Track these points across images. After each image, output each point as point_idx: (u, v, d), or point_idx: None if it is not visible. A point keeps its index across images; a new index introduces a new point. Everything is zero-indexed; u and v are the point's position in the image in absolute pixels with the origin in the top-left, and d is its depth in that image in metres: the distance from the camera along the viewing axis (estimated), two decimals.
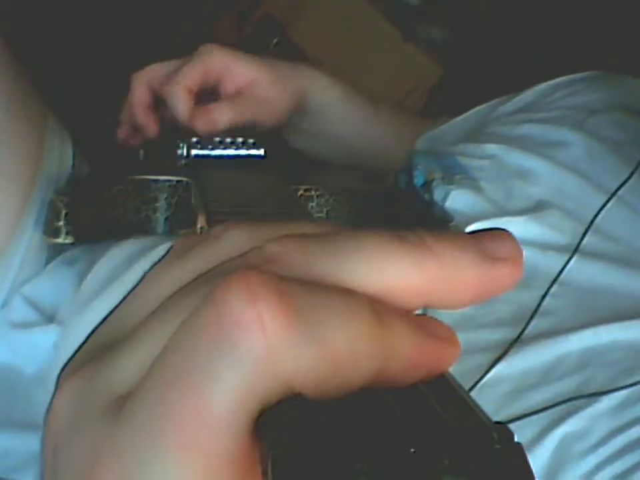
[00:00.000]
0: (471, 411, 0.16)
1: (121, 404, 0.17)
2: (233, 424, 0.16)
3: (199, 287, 0.19)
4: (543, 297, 0.48)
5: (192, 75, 0.63)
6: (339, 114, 0.72)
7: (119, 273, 0.54)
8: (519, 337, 0.46)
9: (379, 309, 0.17)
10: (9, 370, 0.55)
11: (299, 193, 0.56)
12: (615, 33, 0.97)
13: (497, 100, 0.70)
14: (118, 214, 0.56)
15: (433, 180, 0.55)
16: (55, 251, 0.61)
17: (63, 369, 0.20)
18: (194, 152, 0.63)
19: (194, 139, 0.64)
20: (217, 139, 0.64)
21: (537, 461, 0.40)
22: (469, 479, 0.15)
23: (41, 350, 0.54)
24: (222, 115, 0.63)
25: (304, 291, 0.17)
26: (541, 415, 0.42)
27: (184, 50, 0.67)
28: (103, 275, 0.55)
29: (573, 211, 0.54)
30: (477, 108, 0.70)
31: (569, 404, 0.42)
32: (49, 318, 0.57)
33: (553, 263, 0.50)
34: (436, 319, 0.18)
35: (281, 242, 0.19)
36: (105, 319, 0.21)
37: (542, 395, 0.43)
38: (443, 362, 0.18)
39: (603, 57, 0.72)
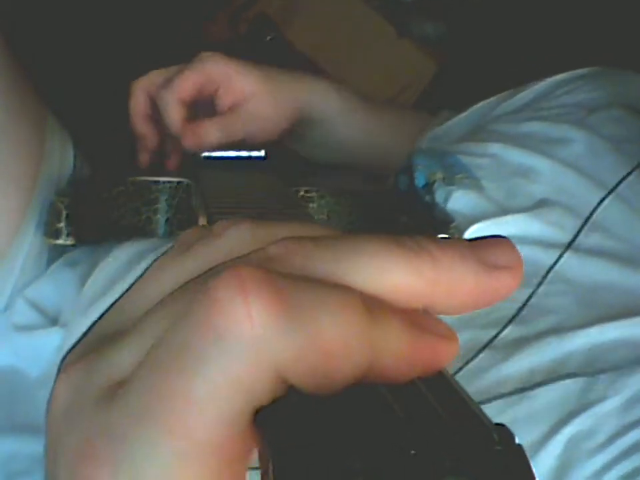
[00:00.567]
0: (472, 412, 0.16)
1: (115, 390, 0.18)
2: (220, 411, 0.16)
3: (196, 286, 0.19)
4: (534, 291, 0.48)
5: (186, 85, 0.62)
6: (341, 123, 0.72)
7: (121, 275, 0.54)
8: (494, 337, 0.46)
9: (372, 304, 0.17)
10: (12, 373, 0.55)
11: (300, 194, 0.56)
12: (612, 28, 0.96)
13: (497, 97, 0.70)
14: (118, 215, 0.56)
15: (434, 181, 0.55)
16: (56, 253, 0.61)
17: (64, 358, 0.21)
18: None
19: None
20: None
21: (546, 460, 0.40)
22: None
23: (44, 352, 0.54)
24: (211, 134, 0.62)
25: (295, 284, 0.17)
26: (548, 412, 0.42)
27: (179, 49, 0.67)
28: (105, 277, 0.55)
29: (574, 208, 0.54)
30: (478, 105, 0.70)
31: (575, 399, 0.42)
32: (52, 320, 0.57)
33: (556, 260, 0.50)
34: (433, 316, 0.19)
35: (282, 244, 0.19)
36: (106, 311, 0.22)
37: (548, 395, 0.43)
38: (439, 359, 0.18)
39: (600, 52, 0.72)
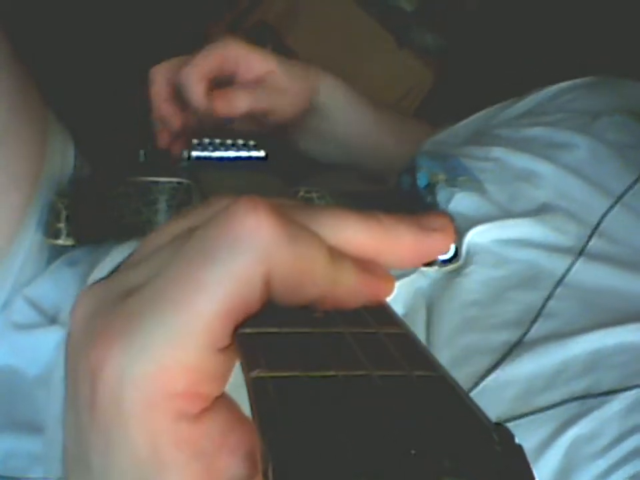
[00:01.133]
0: (472, 412, 0.16)
1: (132, 293, 0.22)
2: (224, 297, 0.21)
3: (204, 225, 0.23)
4: (547, 299, 0.48)
5: (207, 61, 0.63)
6: (345, 115, 0.72)
7: None
8: (520, 340, 0.46)
9: (334, 251, 0.23)
10: (11, 371, 0.55)
11: (300, 194, 0.56)
12: (610, 39, 0.97)
13: (500, 104, 0.70)
14: (118, 216, 0.56)
15: (436, 182, 0.55)
16: (55, 252, 0.61)
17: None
18: (195, 154, 0.63)
19: (195, 141, 0.64)
20: (218, 141, 0.64)
21: (548, 463, 0.40)
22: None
23: (43, 351, 0.54)
24: (241, 100, 0.63)
25: (294, 214, 0.23)
26: (550, 416, 0.42)
27: (180, 53, 0.67)
28: None
29: (577, 213, 0.54)
30: (481, 112, 0.70)
31: (577, 403, 0.42)
32: (51, 319, 0.57)
33: (558, 264, 0.50)
34: (378, 264, 0.24)
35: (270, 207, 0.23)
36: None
37: (550, 398, 0.43)
38: (379, 292, 0.24)
39: (599, 64, 0.72)
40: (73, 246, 0.57)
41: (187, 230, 0.24)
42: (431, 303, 0.49)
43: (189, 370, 0.21)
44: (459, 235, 0.51)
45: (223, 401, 0.22)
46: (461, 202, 0.54)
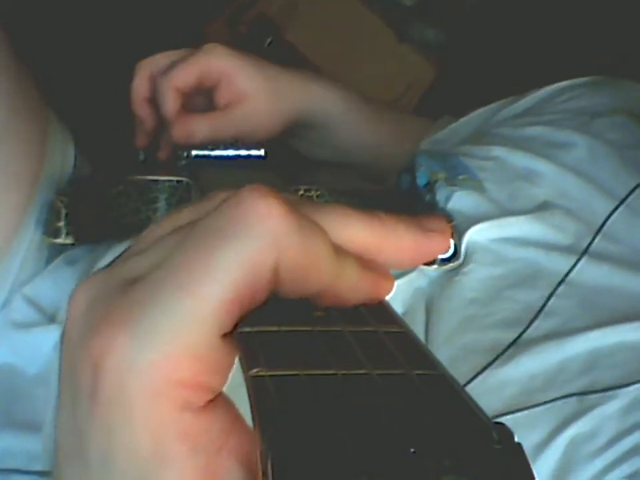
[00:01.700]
0: (471, 411, 0.16)
1: (135, 282, 0.22)
2: (231, 282, 0.21)
3: (209, 214, 0.23)
4: (548, 297, 0.48)
5: (185, 75, 0.62)
6: (343, 124, 0.71)
7: None
8: (517, 338, 0.46)
9: (338, 246, 0.24)
10: (10, 370, 0.55)
11: (299, 192, 0.56)
12: (611, 36, 0.96)
13: (499, 102, 0.70)
14: (118, 214, 0.56)
15: (436, 181, 0.55)
16: (55, 251, 0.61)
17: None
18: (194, 152, 0.63)
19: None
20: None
21: (547, 462, 0.40)
22: (469, 478, 0.15)
23: (42, 350, 0.54)
24: (200, 130, 0.62)
25: (303, 207, 0.24)
26: (549, 414, 0.42)
27: (179, 49, 0.66)
28: None
29: (576, 212, 0.54)
30: (480, 110, 0.70)
31: (576, 401, 0.42)
32: (50, 318, 0.57)
33: (557, 263, 0.50)
34: (379, 262, 0.25)
35: (279, 195, 0.23)
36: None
37: (549, 396, 0.43)
38: (380, 290, 0.24)
39: (600, 61, 0.72)
40: (72, 245, 0.57)
41: (189, 221, 0.24)
42: (430, 302, 0.49)
43: (194, 357, 0.21)
44: (459, 234, 0.51)
45: (223, 400, 0.22)
46: (460, 200, 0.54)
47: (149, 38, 0.97)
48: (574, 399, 0.43)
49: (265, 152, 0.64)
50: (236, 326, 0.21)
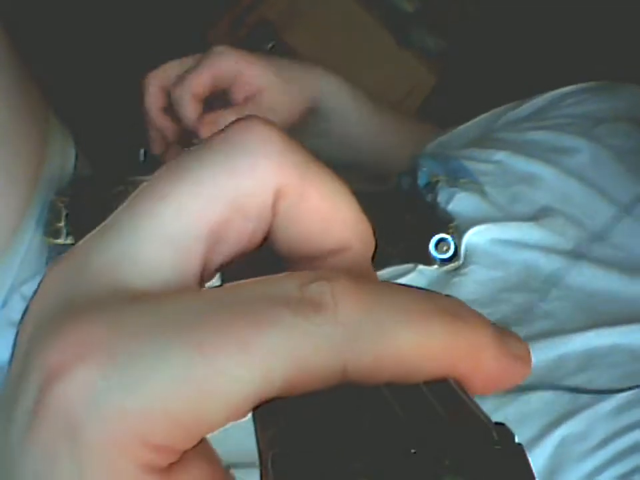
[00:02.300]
0: (471, 411, 0.16)
1: (133, 297, 0.17)
2: (271, 371, 0.16)
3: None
4: (543, 300, 0.49)
5: (200, 81, 0.63)
6: (348, 116, 0.72)
7: None
8: None
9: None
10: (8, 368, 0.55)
11: None
12: (613, 43, 0.96)
13: (503, 107, 0.70)
14: None
15: (437, 182, 0.55)
16: (55, 252, 0.61)
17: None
18: None
19: (195, 141, 0.64)
20: None
21: (536, 461, 0.40)
22: (469, 479, 0.15)
23: None
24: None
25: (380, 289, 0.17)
26: (541, 412, 0.42)
27: (182, 53, 0.67)
28: None
29: (577, 217, 0.54)
30: (483, 115, 0.70)
31: (569, 400, 0.42)
32: None
33: (555, 266, 0.51)
34: (515, 334, 0.18)
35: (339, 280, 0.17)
36: None
37: (541, 396, 0.43)
38: (515, 379, 0.18)
39: (601, 67, 0.72)
40: (72, 245, 0.57)
41: None
42: None
43: (177, 425, 0.16)
44: (459, 235, 0.52)
45: (196, 450, 0.17)
46: (461, 202, 0.54)
47: (150, 41, 0.97)
48: (566, 396, 0.43)
49: None
50: None
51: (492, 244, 0.52)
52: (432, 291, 0.18)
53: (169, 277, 0.18)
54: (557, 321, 0.48)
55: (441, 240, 0.50)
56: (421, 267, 0.51)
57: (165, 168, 0.19)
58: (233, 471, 0.18)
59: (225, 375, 0.15)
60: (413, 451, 0.15)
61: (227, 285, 0.17)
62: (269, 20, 1.06)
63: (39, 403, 0.16)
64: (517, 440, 0.16)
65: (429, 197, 0.55)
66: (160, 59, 0.67)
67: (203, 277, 0.19)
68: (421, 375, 0.17)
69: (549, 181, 0.56)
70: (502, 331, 0.18)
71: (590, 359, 0.45)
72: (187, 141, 0.65)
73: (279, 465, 0.15)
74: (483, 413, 0.16)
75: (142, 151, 0.70)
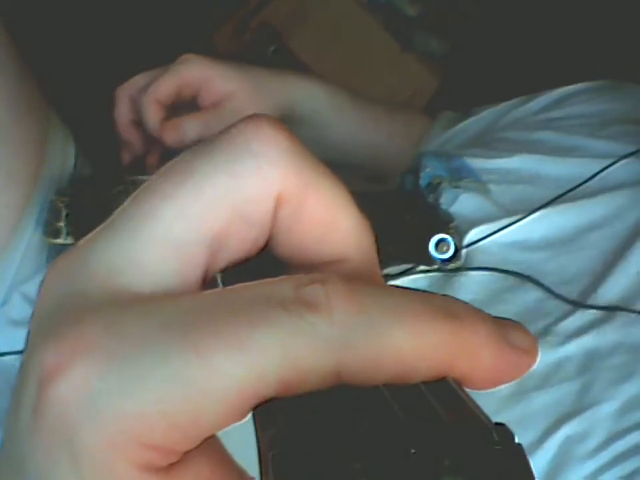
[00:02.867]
0: (471, 411, 0.16)
1: (132, 300, 0.17)
2: (267, 370, 0.16)
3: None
4: (545, 300, 0.48)
5: (163, 88, 0.63)
6: (331, 121, 0.71)
7: None
8: None
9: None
10: (8, 367, 0.55)
11: None
12: (616, 43, 0.96)
13: (509, 103, 0.70)
14: None
15: (439, 182, 0.55)
16: (55, 251, 0.61)
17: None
18: None
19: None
20: None
21: (538, 463, 0.40)
22: (469, 479, 0.15)
23: None
24: (190, 129, 0.62)
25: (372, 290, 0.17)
26: (543, 414, 0.42)
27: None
28: None
29: None
30: (490, 109, 0.70)
31: (571, 402, 0.42)
32: None
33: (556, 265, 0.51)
34: (520, 326, 0.18)
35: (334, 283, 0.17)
36: None
37: (544, 398, 0.43)
38: (518, 371, 0.18)
39: (604, 68, 0.72)
40: (72, 245, 0.57)
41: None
42: None
43: (175, 427, 0.16)
44: (460, 235, 0.52)
45: (199, 450, 0.17)
46: (464, 202, 0.54)
47: (153, 43, 0.97)
48: (569, 398, 0.43)
49: None
50: None
51: (493, 244, 0.52)
52: (427, 291, 0.18)
53: (170, 281, 0.18)
54: (557, 319, 0.48)
55: (441, 240, 0.50)
56: (421, 267, 0.51)
57: (167, 167, 0.18)
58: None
59: (220, 375, 0.15)
60: (412, 451, 0.15)
61: (225, 287, 0.17)
62: (271, 24, 1.07)
63: (37, 404, 0.16)
64: (516, 440, 0.16)
65: (430, 197, 0.55)
66: (163, 61, 0.67)
67: (205, 282, 0.19)
68: (419, 375, 0.17)
69: (552, 181, 0.56)
70: (504, 324, 0.18)
71: (590, 361, 0.45)
72: (157, 150, 0.66)
73: (278, 465, 0.15)
74: (482, 412, 0.16)
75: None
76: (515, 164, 0.57)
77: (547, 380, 0.44)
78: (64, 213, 0.55)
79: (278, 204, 0.18)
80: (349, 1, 1.07)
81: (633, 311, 0.47)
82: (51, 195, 0.57)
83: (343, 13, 1.08)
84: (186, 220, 0.18)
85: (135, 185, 0.57)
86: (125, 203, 0.18)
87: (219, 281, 0.20)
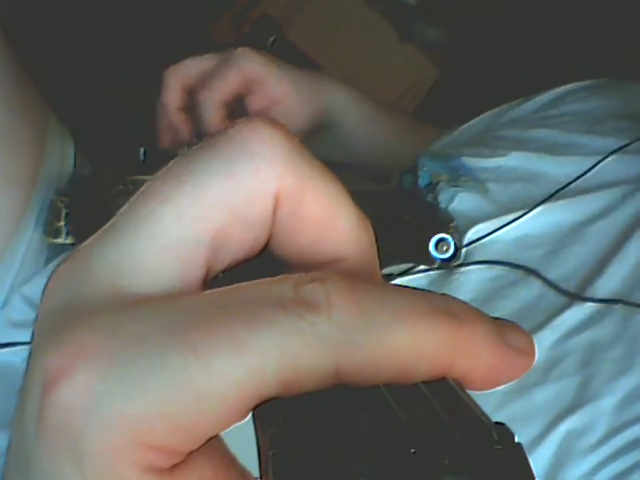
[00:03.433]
0: (471, 411, 0.16)
1: (133, 303, 0.17)
2: (265, 371, 0.16)
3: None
4: (543, 296, 0.48)
5: (228, 87, 0.62)
6: (358, 129, 0.72)
7: None
8: None
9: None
10: (8, 368, 0.55)
11: None
12: (616, 38, 0.96)
13: (505, 105, 0.70)
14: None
15: (438, 182, 0.55)
16: (54, 251, 0.61)
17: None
18: None
19: (195, 140, 0.64)
20: None
21: (540, 457, 0.40)
22: (469, 479, 0.15)
23: None
24: None
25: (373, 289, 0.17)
26: (544, 409, 0.42)
27: (183, 50, 0.66)
28: None
29: None
30: (488, 112, 0.71)
31: (571, 397, 0.43)
32: None
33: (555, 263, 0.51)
34: (517, 326, 0.18)
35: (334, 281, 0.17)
36: None
37: (544, 393, 0.43)
38: (516, 371, 0.18)
39: (604, 62, 0.72)
40: (72, 245, 0.57)
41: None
42: None
43: (175, 427, 0.16)
44: (459, 234, 0.52)
45: (202, 451, 0.17)
46: (462, 201, 0.54)
47: (152, 36, 0.97)
48: (569, 393, 0.43)
49: None
50: None
51: (492, 242, 0.52)
52: (427, 291, 0.18)
53: (170, 283, 0.18)
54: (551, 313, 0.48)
55: (441, 240, 0.50)
56: (421, 267, 0.51)
57: (166, 168, 0.19)
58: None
59: (219, 376, 0.16)
60: (412, 451, 0.15)
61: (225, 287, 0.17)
62: (270, 15, 1.06)
63: (41, 409, 0.16)
64: (516, 439, 0.16)
65: (429, 197, 0.55)
66: (162, 54, 0.66)
67: (206, 283, 0.19)
68: (418, 374, 0.17)
69: (550, 178, 0.56)
70: (502, 324, 0.18)
71: (590, 354, 0.45)
72: (195, 143, 0.65)
73: (278, 465, 0.15)
74: (482, 412, 0.16)
75: (142, 151, 0.70)
76: (512, 162, 0.57)
77: (547, 375, 0.44)
78: (64, 213, 0.55)
79: (276, 203, 0.19)
80: None
81: (632, 304, 0.47)
82: (51, 195, 0.57)
83: (342, 2, 1.08)
84: (185, 222, 0.18)
85: (135, 184, 0.57)
86: (125, 207, 0.18)
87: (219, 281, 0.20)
